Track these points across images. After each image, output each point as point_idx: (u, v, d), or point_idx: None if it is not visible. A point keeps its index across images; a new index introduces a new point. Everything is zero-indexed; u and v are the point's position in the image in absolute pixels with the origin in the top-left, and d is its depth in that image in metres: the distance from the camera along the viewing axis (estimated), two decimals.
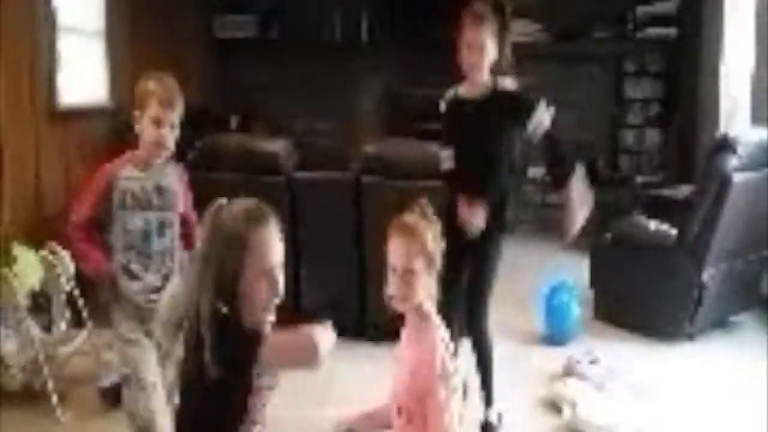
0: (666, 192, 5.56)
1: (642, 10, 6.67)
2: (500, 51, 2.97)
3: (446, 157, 3.06)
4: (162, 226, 2.64)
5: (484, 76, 2.98)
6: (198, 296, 1.70)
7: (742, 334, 4.35)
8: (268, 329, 1.77)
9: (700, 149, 5.85)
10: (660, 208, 5.03)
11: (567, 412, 3.23)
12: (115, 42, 5.39)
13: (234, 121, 6.57)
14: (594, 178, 6.74)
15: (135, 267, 2.63)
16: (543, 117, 2.92)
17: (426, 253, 2.05)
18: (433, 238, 2.07)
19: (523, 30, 6.81)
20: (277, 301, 1.76)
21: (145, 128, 2.56)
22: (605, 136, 6.99)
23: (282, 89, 7.08)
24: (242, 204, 1.76)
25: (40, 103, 4.52)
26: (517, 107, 2.95)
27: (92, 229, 2.62)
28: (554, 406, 3.35)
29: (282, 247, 1.77)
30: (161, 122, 2.53)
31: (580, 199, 2.88)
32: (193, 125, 5.23)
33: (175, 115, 2.57)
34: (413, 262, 2.03)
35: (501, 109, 2.95)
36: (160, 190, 2.64)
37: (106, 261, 2.62)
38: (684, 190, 5.04)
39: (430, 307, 2.10)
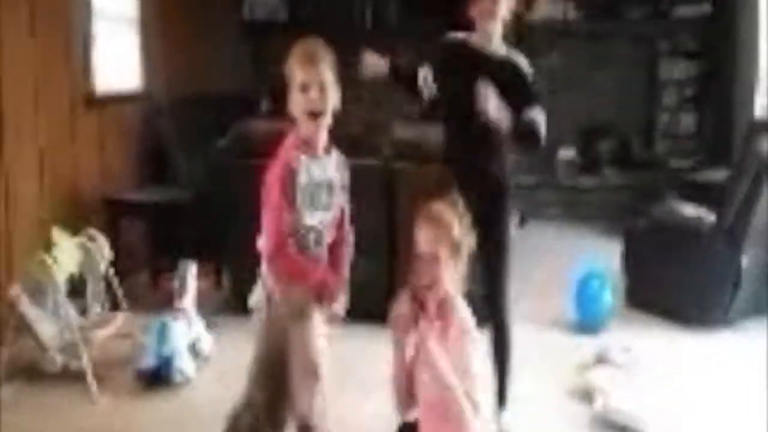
0: (702, 176, 5.47)
1: None
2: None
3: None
4: (323, 230, 2.31)
5: (497, 31, 2.86)
6: None
7: None
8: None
9: (737, 131, 5.74)
10: (696, 192, 4.95)
11: (598, 401, 3.21)
12: (148, 28, 5.41)
13: (264, 105, 6.57)
14: (627, 161, 6.70)
15: None
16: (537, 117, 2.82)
17: (452, 241, 2.07)
18: (461, 228, 2.08)
19: (554, 7, 6.72)
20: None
21: (294, 100, 2.25)
22: (639, 117, 6.88)
23: None
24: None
25: (76, 89, 4.58)
26: (522, 93, 2.82)
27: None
28: (586, 396, 3.33)
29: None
30: (307, 85, 2.22)
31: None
32: (223, 110, 5.32)
33: (323, 71, 2.22)
34: (438, 249, 2.05)
35: (509, 81, 2.81)
36: (330, 184, 2.31)
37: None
38: (720, 174, 4.95)
39: (456, 298, 2.10)
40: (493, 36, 2.89)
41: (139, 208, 4.79)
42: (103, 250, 3.80)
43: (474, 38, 2.92)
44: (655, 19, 6.61)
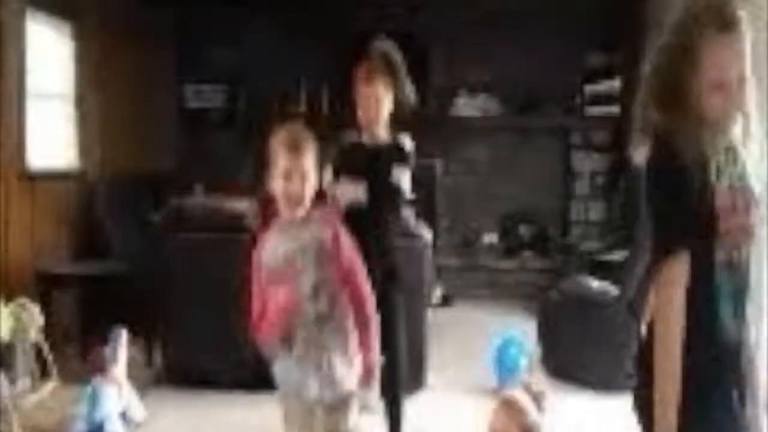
0: (608, 256, 5.89)
1: (589, 88, 7.18)
2: (396, 102, 3.15)
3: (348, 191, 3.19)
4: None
5: (381, 129, 3.18)
6: None
7: None
8: None
9: (641, 218, 6.20)
10: (602, 271, 5.31)
11: None
12: (85, 107, 5.57)
13: (198, 190, 6.72)
14: (544, 245, 7.14)
15: None
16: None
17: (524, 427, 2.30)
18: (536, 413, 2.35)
19: (480, 104, 7.26)
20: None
21: (275, 182, 2.35)
22: (555, 205, 7.37)
23: (247, 159, 7.29)
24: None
25: (10, 166, 4.62)
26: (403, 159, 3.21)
27: None
28: None
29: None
30: (290, 173, 2.32)
31: None
32: (158, 189, 5.44)
33: (306, 159, 2.34)
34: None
35: (394, 156, 3.20)
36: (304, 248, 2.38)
37: None
38: (624, 254, 5.34)
39: None
40: (378, 132, 3.19)
41: (71, 280, 4.84)
42: (35, 318, 3.86)
43: (365, 137, 3.21)
44: (570, 115, 7.22)
